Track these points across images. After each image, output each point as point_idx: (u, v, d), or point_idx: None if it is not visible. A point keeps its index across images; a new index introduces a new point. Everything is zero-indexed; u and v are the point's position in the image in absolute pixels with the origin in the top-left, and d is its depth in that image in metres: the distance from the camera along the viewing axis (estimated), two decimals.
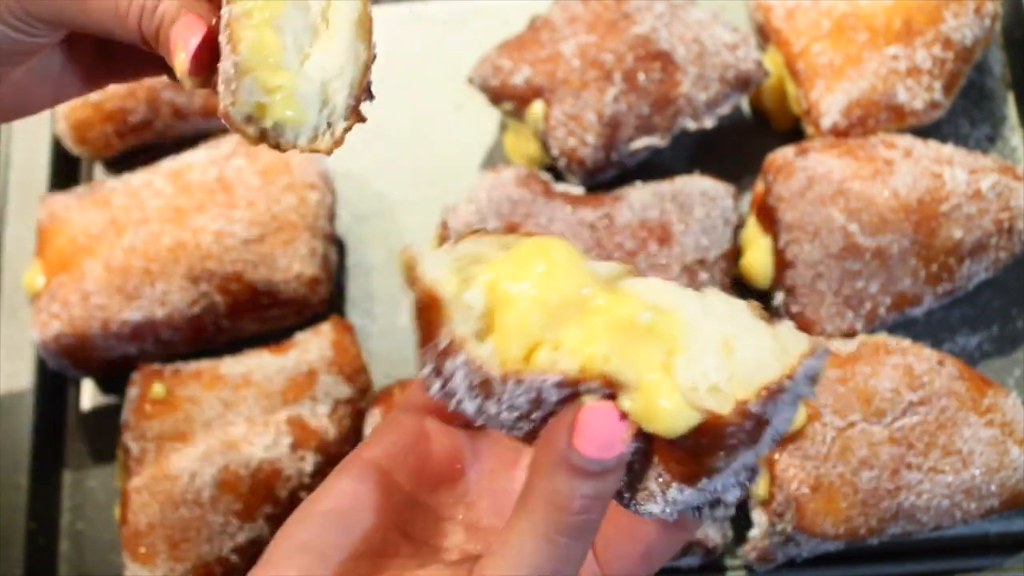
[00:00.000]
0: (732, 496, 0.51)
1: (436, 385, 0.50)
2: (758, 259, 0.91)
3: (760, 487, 0.85)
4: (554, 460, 0.50)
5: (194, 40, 0.57)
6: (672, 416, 0.47)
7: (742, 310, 0.49)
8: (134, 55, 0.66)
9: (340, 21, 0.57)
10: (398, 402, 0.61)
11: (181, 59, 0.57)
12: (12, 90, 0.67)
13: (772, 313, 0.90)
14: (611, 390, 0.49)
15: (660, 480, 0.50)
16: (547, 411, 0.50)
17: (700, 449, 0.48)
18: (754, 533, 0.86)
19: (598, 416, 0.49)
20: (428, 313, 0.49)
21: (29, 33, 0.62)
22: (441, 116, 1.04)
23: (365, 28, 0.57)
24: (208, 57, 0.57)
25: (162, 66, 0.63)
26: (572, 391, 0.49)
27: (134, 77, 0.71)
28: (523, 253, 0.50)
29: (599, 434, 0.49)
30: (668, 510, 0.50)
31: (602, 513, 0.51)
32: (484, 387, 0.49)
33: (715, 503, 0.52)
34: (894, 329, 0.92)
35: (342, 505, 0.54)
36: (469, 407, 0.50)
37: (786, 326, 0.48)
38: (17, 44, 0.63)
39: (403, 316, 0.98)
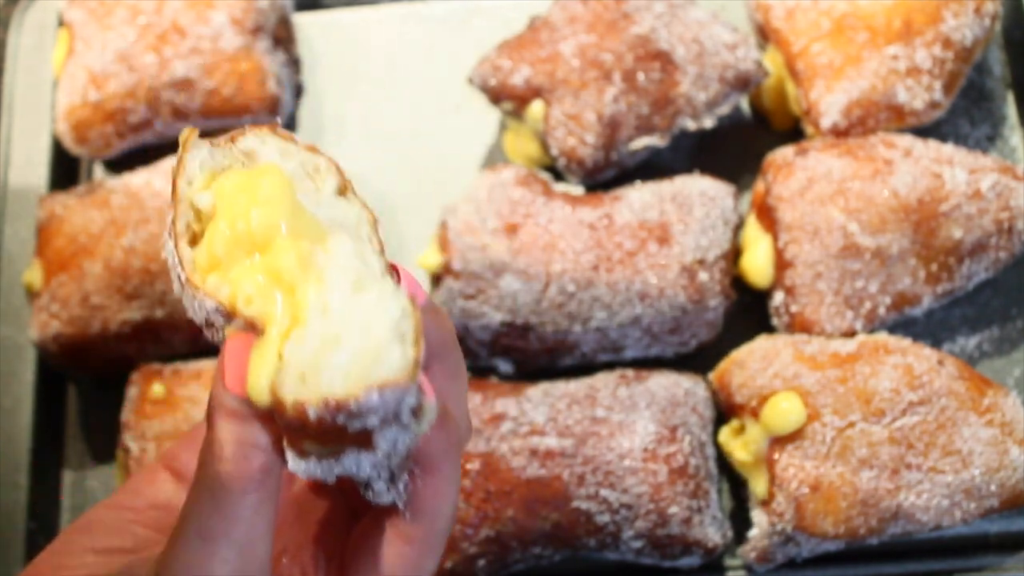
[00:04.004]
0: (379, 487, 0.50)
1: (164, 249, 0.52)
2: (758, 259, 0.91)
3: (760, 487, 0.85)
4: (213, 404, 0.49)
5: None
6: (254, 386, 0.47)
7: (388, 316, 0.47)
8: None
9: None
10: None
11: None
12: None
13: (775, 314, 0.91)
14: (255, 331, 0.49)
15: (284, 441, 0.49)
16: (220, 336, 0.50)
17: (288, 427, 0.47)
18: (754, 533, 0.86)
19: (234, 349, 0.48)
20: (172, 190, 0.52)
21: None
22: (441, 116, 1.04)
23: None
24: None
25: None
26: (230, 320, 0.49)
27: None
28: (250, 175, 0.51)
29: (236, 370, 0.48)
30: (303, 472, 0.49)
31: (265, 471, 0.48)
32: (178, 281, 0.51)
33: (364, 485, 0.51)
34: (894, 329, 0.91)
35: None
36: (175, 288, 0.51)
37: (401, 352, 0.46)
38: None
39: None
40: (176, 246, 0.50)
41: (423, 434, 0.48)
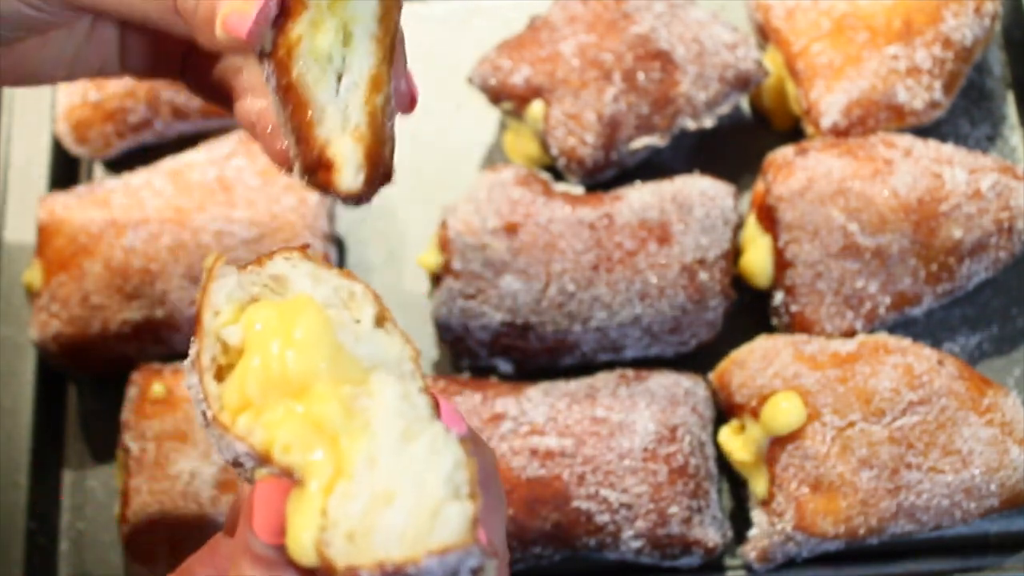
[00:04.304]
0: None
1: (186, 381, 0.49)
2: (758, 259, 0.91)
3: (760, 487, 0.85)
4: (239, 546, 0.47)
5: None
6: (297, 544, 0.44)
7: (442, 467, 0.45)
8: (156, 52, 0.64)
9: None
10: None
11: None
12: (23, 57, 0.64)
13: (775, 314, 0.91)
14: (292, 479, 0.46)
15: None
16: (249, 474, 0.48)
17: None
18: (754, 533, 0.86)
19: (266, 496, 0.46)
20: (196, 322, 0.49)
21: (47, 12, 0.59)
22: (441, 116, 1.04)
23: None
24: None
25: (177, 71, 0.62)
26: (263, 465, 0.46)
27: (150, 76, 0.69)
28: (284, 311, 0.48)
29: (268, 517, 0.45)
30: None
31: None
32: (203, 417, 0.48)
33: None
34: (894, 329, 0.92)
35: None
36: (199, 421, 0.49)
37: (459, 509, 0.44)
38: (31, 21, 0.60)
39: (403, 315, 0.98)
40: (202, 381, 0.47)
41: None
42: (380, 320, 0.51)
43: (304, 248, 0.52)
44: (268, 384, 0.47)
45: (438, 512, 0.44)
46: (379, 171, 0.57)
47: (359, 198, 0.57)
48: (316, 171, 0.56)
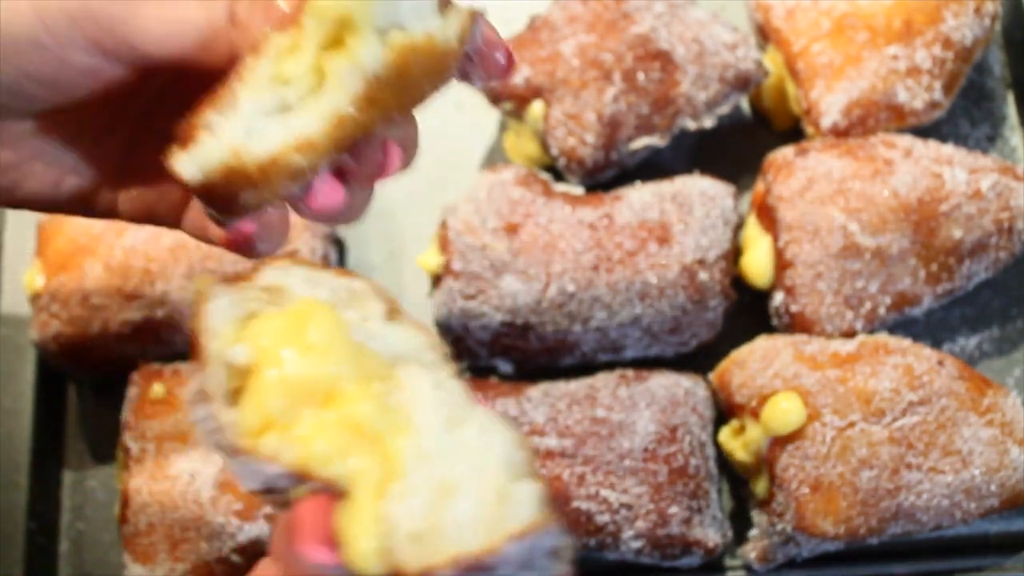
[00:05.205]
0: None
1: (194, 414, 0.46)
2: (758, 259, 0.91)
3: (760, 487, 0.85)
4: (286, 570, 0.45)
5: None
6: (359, 557, 0.42)
7: (497, 449, 0.43)
8: (153, 201, 0.59)
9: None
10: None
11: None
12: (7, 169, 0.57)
13: (775, 314, 0.91)
14: (336, 491, 0.44)
15: None
16: (284, 498, 0.45)
17: None
18: (754, 533, 0.86)
19: (311, 513, 0.43)
20: (196, 351, 0.46)
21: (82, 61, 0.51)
22: (441, 116, 1.04)
23: None
24: None
25: (175, 222, 0.58)
26: (300, 483, 0.44)
27: (145, 221, 0.62)
28: (291, 317, 0.45)
29: (316, 536, 0.43)
30: None
31: None
32: (223, 449, 0.45)
33: None
34: (894, 329, 0.92)
35: None
36: (220, 454, 0.46)
37: (529, 489, 0.42)
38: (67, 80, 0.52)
39: None
40: (214, 410, 0.44)
41: None
42: (391, 314, 0.48)
43: (292, 254, 0.50)
44: (290, 396, 0.44)
45: (507, 495, 0.42)
46: (218, 193, 0.48)
47: (183, 185, 0.49)
48: (177, 135, 0.48)
